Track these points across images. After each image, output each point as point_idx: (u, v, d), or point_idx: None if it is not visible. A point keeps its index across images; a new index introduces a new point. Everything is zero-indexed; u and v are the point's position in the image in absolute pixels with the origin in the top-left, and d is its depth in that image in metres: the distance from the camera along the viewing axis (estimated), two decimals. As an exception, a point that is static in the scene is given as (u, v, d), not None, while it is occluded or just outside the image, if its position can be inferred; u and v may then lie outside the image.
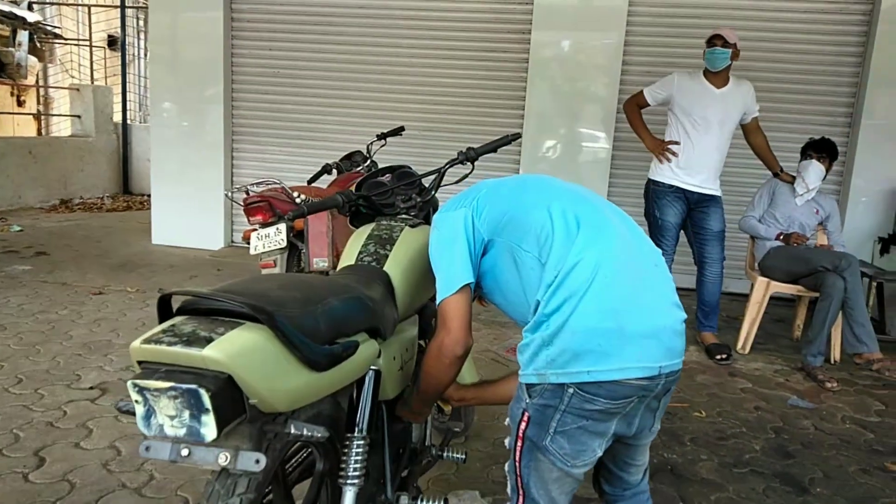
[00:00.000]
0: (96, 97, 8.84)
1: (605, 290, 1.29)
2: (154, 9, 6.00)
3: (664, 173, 3.92)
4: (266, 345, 1.09)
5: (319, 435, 1.17)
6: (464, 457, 1.97)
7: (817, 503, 2.38)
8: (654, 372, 1.29)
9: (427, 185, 2.00)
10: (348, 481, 1.41)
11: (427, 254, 1.59)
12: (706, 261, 3.95)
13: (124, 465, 2.36)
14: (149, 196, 6.82)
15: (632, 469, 1.52)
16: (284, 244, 3.44)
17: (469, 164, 2.00)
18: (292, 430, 1.15)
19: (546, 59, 5.41)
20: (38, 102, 11.04)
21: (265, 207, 3.51)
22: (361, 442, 1.45)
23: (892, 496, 2.45)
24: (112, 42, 10.98)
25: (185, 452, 1.07)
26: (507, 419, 1.43)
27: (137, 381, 1.02)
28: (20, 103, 10.43)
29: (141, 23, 11.19)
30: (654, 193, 3.97)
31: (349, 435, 1.46)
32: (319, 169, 4.30)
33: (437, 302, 1.48)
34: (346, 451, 1.44)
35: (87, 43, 10.75)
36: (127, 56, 9.48)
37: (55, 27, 11.22)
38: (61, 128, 10.32)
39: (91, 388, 3.00)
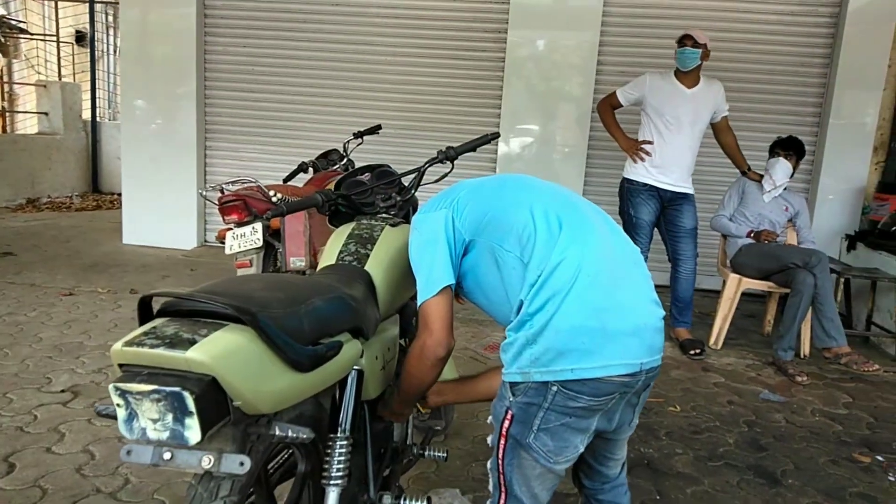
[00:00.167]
0: (64, 94, 8.65)
1: (588, 288, 1.30)
2: (125, 4, 5.89)
3: (638, 172, 3.98)
4: (250, 346, 1.08)
5: (304, 436, 1.17)
6: (445, 455, 1.97)
7: (789, 494, 2.43)
8: (635, 369, 1.31)
9: (407, 185, 2.00)
10: (331, 482, 1.41)
11: (408, 253, 1.59)
12: (680, 258, 4.02)
13: (98, 469, 2.32)
14: (119, 195, 6.71)
15: (611, 463, 1.54)
16: (261, 244, 3.41)
17: (449, 163, 2.00)
18: (277, 432, 1.15)
19: (522, 58, 5.44)
20: (3, 99, 10.77)
21: (241, 206, 3.47)
22: (345, 442, 1.44)
23: (860, 486, 2.52)
24: (80, 38, 10.74)
25: (167, 456, 1.06)
26: (490, 417, 1.44)
27: (119, 385, 1.00)
28: (-16, 100, 10.18)
29: (110, 18, 10.97)
30: (629, 192, 4.03)
31: (332, 435, 1.45)
32: (295, 167, 4.26)
33: (419, 304, 1.48)
34: (328, 451, 1.44)
35: (55, 38, 10.50)
36: (96, 52, 9.28)
37: (20, 21, 10.94)
38: (27, 125, 10.07)
39: (63, 391, 2.94)
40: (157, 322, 1.11)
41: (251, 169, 5.66)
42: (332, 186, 1.95)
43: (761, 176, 4.16)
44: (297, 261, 3.39)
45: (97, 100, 9.24)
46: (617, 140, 4.09)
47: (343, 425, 1.46)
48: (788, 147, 4.07)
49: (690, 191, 4.01)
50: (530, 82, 5.47)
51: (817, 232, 4.62)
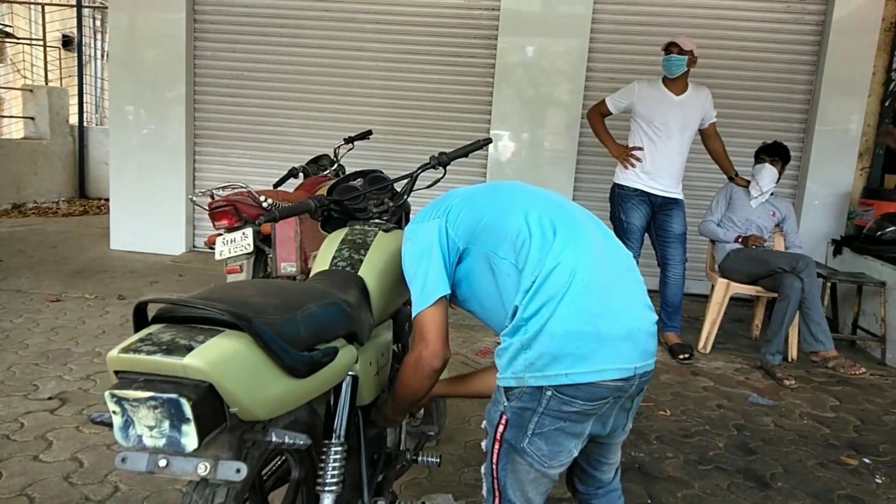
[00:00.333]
0: (51, 98, 8.57)
1: (582, 294, 1.31)
2: (114, 9, 5.86)
3: (629, 177, 4.00)
4: (247, 352, 1.08)
5: (301, 443, 1.16)
6: (438, 460, 1.97)
7: (779, 497, 2.45)
8: (629, 373, 1.32)
9: (399, 190, 2.00)
10: (326, 488, 1.41)
11: (401, 259, 1.59)
12: (669, 262, 4.05)
13: (87, 477, 2.30)
14: (106, 200, 6.66)
15: (605, 467, 1.55)
16: (251, 249, 3.40)
17: (441, 168, 2.01)
18: (273, 438, 1.15)
19: (512, 64, 5.46)
20: (-12, 103, 10.67)
21: (231, 212, 3.46)
22: (340, 448, 1.44)
23: (848, 488, 2.54)
24: (67, 42, 10.66)
25: (162, 463, 1.05)
26: (484, 422, 1.45)
27: (115, 392, 1.00)
28: (-32, 104, 10.07)
29: (97, 23, 10.90)
30: (620, 197, 4.05)
31: (327, 441, 1.45)
32: (286, 173, 4.25)
33: (413, 315, 1.48)
34: (323, 457, 1.44)
35: (41, 43, 10.42)
36: (83, 57, 9.22)
37: (6, 26, 10.85)
38: (13, 130, 9.97)
39: (50, 398, 2.91)
40: (153, 328, 1.10)
41: (241, 174, 5.64)
42: (324, 192, 1.95)
43: (748, 181, 4.20)
44: (287, 266, 3.39)
45: (84, 104, 9.17)
46: (607, 147, 4.12)
47: (338, 431, 1.46)
48: (774, 153, 4.11)
49: (680, 196, 4.05)
50: (520, 88, 5.50)
51: (804, 237, 4.67)
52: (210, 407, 1.03)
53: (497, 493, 1.42)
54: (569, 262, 1.33)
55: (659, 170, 3.96)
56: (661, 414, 3.15)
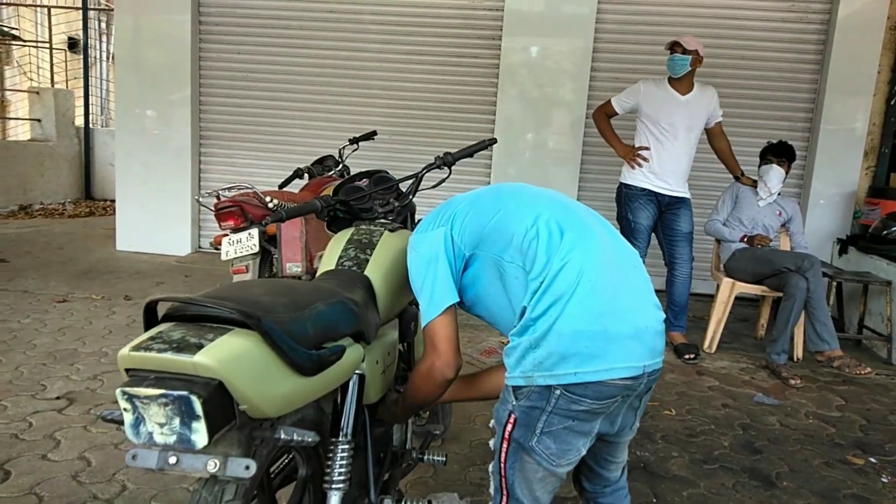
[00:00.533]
0: (57, 100, 8.62)
1: (590, 293, 1.32)
2: (120, 11, 5.89)
3: (636, 177, 4.00)
4: (256, 350, 1.09)
5: (309, 440, 1.17)
6: (444, 459, 1.98)
7: (784, 496, 2.45)
8: (637, 371, 1.32)
9: (405, 190, 2.01)
10: (333, 486, 1.42)
11: (406, 258, 1.60)
12: (676, 261, 4.05)
13: (95, 475, 2.31)
14: (112, 201, 6.69)
15: (612, 466, 1.55)
16: (257, 249, 3.42)
17: (446, 168, 2.02)
18: (282, 436, 1.16)
19: (516, 64, 5.47)
20: (-6, 105, 10.72)
21: (237, 212, 3.47)
22: (347, 446, 1.45)
23: (854, 487, 2.54)
24: (73, 44, 10.71)
25: (173, 460, 1.06)
26: (492, 421, 1.45)
27: (127, 389, 1.01)
28: (-25, 106, 10.13)
29: (103, 25, 10.95)
30: (627, 197, 4.05)
31: (334, 440, 1.46)
32: (291, 173, 4.27)
33: (423, 324, 1.48)
34: (330, 455, 1.45)
35: (47, 45, 10.47)
36: (89, 59, 9.26)
37: (12, 28, 10.90)
38: (20, 132, 10.02)
39: (58, 397, 2.93)
40: (163, 327, 1.11)
41: (246, 175, 5.65)
42: (329, 192, 1.96)
43: (754, 181, 4.20)
44: (293, 266, 3.40)
45: (90, 106, 9.21)
46: (614, 147, 4.11)
47: (345, 429, 1.47)
48: (780, 153, 4.11)
49: (687, 195, 4.05)
50: (524, 89, 5.50)
51: (809, 236, 4.66)
52: (220, 404, 1.04)
53: (505, 492, 1.42)
54: (576, 262, 1.33)
55: (666, 169, 3.96)
56: (666, 413, 3.15)
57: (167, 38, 5.76)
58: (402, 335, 1.87)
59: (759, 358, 3.99)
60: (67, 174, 8.88)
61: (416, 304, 1.64)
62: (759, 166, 4.18)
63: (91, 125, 9.25)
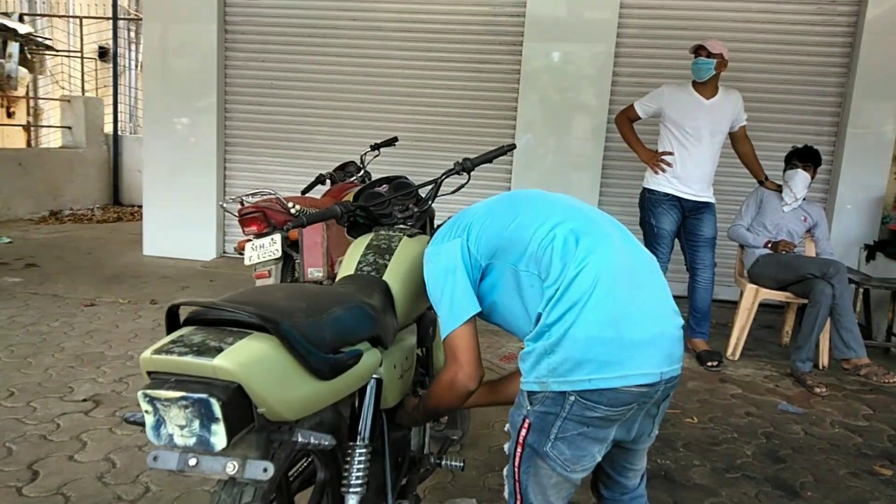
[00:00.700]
0: (87, 108, 8.82)
1: (605, 299, 1.31)
2: (148, 20, 6.02)
3: (660, 182, 3.96)
4: (274, 354, 1.11)
5: (326, 443, 1.19)
6: (462, 464, 1.99)
7: (809, 507, 2.41)
8: (654, 379, 1.31)
9: (424, 196, 2.02)
10: (351, 489, 1.43)
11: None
12: (698, 266, 4.00)
13: (119, 477, 2.35)
14: (139, 207, 6.81)
15: (630, 474, 1.54)
16: (279, 254, 3.45)
17: (465, 174, 2.02)
18: (299, 439, 1.17)
19: (537, 70, 5.47)
20: (28, 114, 10.99)
21: (260, 218, 3.52)
22: (364, 450, 1.47)
23: (881, 499, 2.49)
24: (103, 53, 10.95)
25: (192, 462, 1.08)
26: (507, 425, 1.46)
27: (148, 391, 1.03)
28: (9, 114, 10.39)
29: (132, 34, 11.19)
30: (650, 202, 4.01)
31: (352, 443, 1.47)
32: (313, 179, 4.31)
33: (443, 336, 1.48)
34: (348, 459, 1.46)
35: (78, 54, 10.72)
36: (118, 67, 9.47)
37: (46, 38, 11.19)
38: (51, 139, 10.27)
39: (84, 400, 2.99)
40: (185, 331, 1.14)
41: (269, 181, 5.73)
42: (350, 198, 1.98)
43: (779, 186, 4.14)
44: (314, 271, 3.43)
45: (119, 114, 9.41)
46: (637, 152, 4.08)
47: (362, 433, 1.48)
48: (806, 158, 4.05)
49: (712, 200, 4.00)
50: (545, 94, 5.50)
51: (835, 241, 4.59)
52: (238, 407, 1.06)
53: (519, 496, 1.43)
54: (591, 268, 1.33)
55: (690, 174, 3.92)
56: (688, 421, 3.11)
57: (194, 47, 5.86)
58: (420, 340, 1.88)
59: (784, 366, 3.93)
60: (96, 180, 9.07)
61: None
62: (784, 171, 4.13)
63: (120, 132, 9.45)
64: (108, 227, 7.65)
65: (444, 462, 1.98)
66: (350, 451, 1.47)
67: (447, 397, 1.53)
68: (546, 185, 5.38)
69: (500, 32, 5.60)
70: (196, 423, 1.03)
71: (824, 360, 3.94)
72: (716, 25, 5.24)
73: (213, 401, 1.01)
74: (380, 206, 1.93)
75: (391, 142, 4.54)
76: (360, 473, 1.44)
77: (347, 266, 1.75)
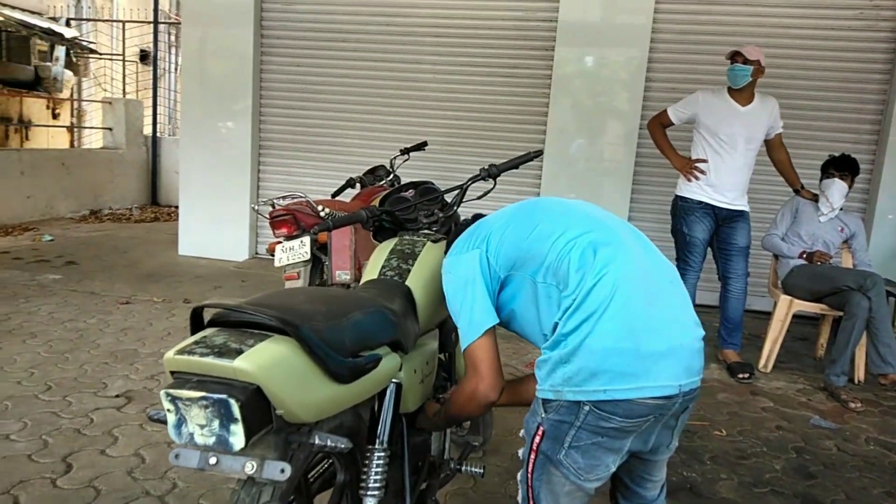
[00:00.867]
0: (128, 110, 9.06)
1: (622, 310, 1.30)
2: (187, 25, 6.16)
3: (693, 190, 3.90)
4: (293, 357, 1.13)
5: (342, 446, 1.20)
6: (482, 471, 1.99)
7: (840, 526, 2.35)
8: (672, 391, 1.30)
9: (449, 201, 2.03)
10: (368, 492, 1.44)
11: None
12: (731, 276, 3.93)
13: (148, 472, 2.41)
14: (176, 208, 6.96)
15: (648, 484, 1.52)
16: (308, 257, 3.49)
17: (491, 180, 2.02)
18: (316, 441, 1.19)
19: (569, 74, 5.44)
20: (72, 115, 11.33)
21: (290, 221, 3.57)
22: (382, 454, 1.48)
23: (918, 520, 2.42)
24: (144, 56, 11.25)
25: (212, 461, 1.10)
26: (522, 431, 1.45)
27: (170, 391, 1.06)
28: (55, 116, 10.72)
29: (172, 38, 11.46)
30: (683, 210, 3.95)
31: (370, 447, 1.49)
32: (343, 183, 4.36)
33: (463, 347, 1.48)
34: (366, 462, 1.47)
35: (121, 57, 11.02)
36: (158, 70, 9.71)
37: (90, 42, 11.53)
38: (93, 140, 10.57)
39: (117, 396, 3.07)
40: (208, 332, 1.17)
41: (301, 184, 5.80)
42: (377, 202, 2.00)
43: (815, 195, 4.05)
44: (342, 274, 3.46)
45: (158, 116, 9.63)
46: (669, 159, 4.01)
47: (381, 437, 1.49)
48: (843, 167, 3.95)
49: (746, 208, 3.92)
50: (577, 99, 5.47)
51: (874, 253, 4.46)
52: (257, 408, 1.07)
53: (531, 502, 1.43)
54: (609, 278, 1.32)
55: (724, 182, 3.85)
56: (716, 434, 3.06)
57: (230, 51, 5.98)
58: (442, 345, 1.89)
59: (818, 379, 3.83)
60: (135, 181, 9.30)
61: None
62: (821, 180, 4.03)
63: (158, 134, 9.68)
64: (145, 227, 7.83)
65: (464, 468, 1.98)
66: (369, 455, 1.48)
67: (469, 407, 1.54)
68: (576, 192, 5.39)
69: (532, 38, 5.59)
70: (216, 423, 1.05)
71: (860, 374, 3.83)
72: (752, 31, 5.15)
73: (232, 401, 1.03)
74: (405, 210, 1.94)
75: (421, 146, 4.56)
76: (377, 476, 1.45)
77: (371, 270, 1.76)
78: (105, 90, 11.50)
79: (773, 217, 4.21)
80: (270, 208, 3.74)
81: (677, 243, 4.00)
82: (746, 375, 3.77)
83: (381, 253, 1.81)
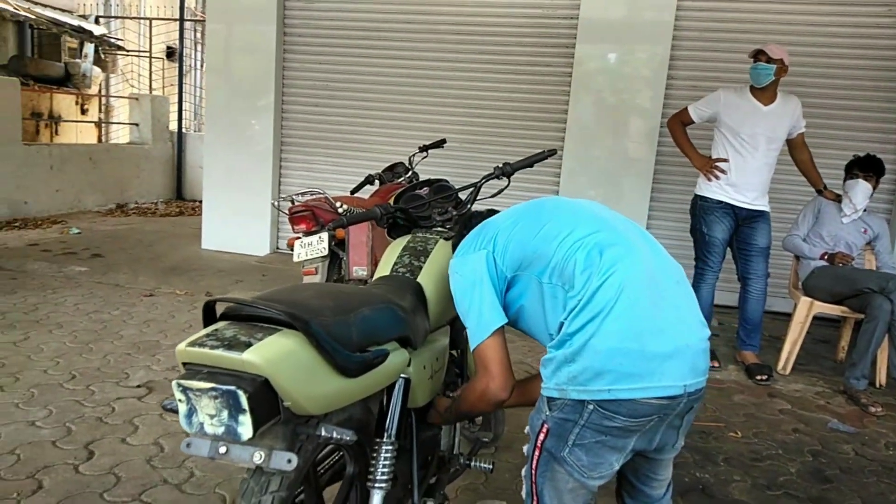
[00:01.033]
0: (154, 106, 9.21)
1: (628, 310, 1.31)
2: (211, 22, 6.24)
3: (713, 189, 3.86)
4: (301, 351, 1.16)
5: (348, 438, 1.23)
6: (491, 466, 2.00)
7: (854, 530, 2.33)
8: (677, 391, 1.30)
9: (463, 199, 2.05)
10: (376, 485, 1.47)
11: None
12: (750, 277, 3.89)
13: (167, 461, 2.47)
14: (200, 202, 7.06)
15: (654, 483, 1.53)
16: (326, 252, 3.54)
17: (505, 178, 2.03)
18: (322, 433, 1.22)
19: (590, 72, 5.42)
20: (100, 111, 11.54)
21: (309, 216, 3.61)
22: (390, 447, 1.50)
23: (935, 527, 2.38)
24: (170, 53, 11.41)
25: (222, 450, 1.14)
26: (527, 428, 1.47)
27: (181, 381, 1.10)
28: (83, 111, 10.93)
29: (198, 35, 11.61)
30: (702, 209, 3.91)
31: (378, 440, 1.51)
32: (362, 180, 4.39)
33: (472, 347, 1.50)
34: (374, 455, 1.50)
35: (147, 54, 11.20)
36: (184, 67, 9.84)
37: (118, 39, 11.74)
38: (120, 135, 10.76)
39: (138, 386, 3.14)
40: (219, 325, 1.20)
41: (322, 180, 5.86)
42: (392, 200, 2.03)
43: (837, 195, 3.99)
44: (359, 270, 3.50)
45: (183, 112, 9.77)
46: (689, 158, 3.98)
47: (389, 431, 1.52)
48: (867, 167, 3.88)
49: (767, 208, 3.87)
50: (597, 97, 5.44)
51: (899, 255, 4.38)
52: (265, 400, 1.11)
53: (535, 498, 1.45)
54: (615, 279, 1.33)
55: (745, 182, 3.81)
56: (731, 435, 3.04)
57: (254, 48, 6.05)
58: (454, 341, 1.91)
59: (837, 382, 3.78)
60: (161, 176, 9.45)
61: None
62: (844, 181, 3.97)
63: (184, 130, 9.82)
64: (169, 221, 7.96)
65: (473, 463, 2.00)
66: (377, 448, 1.51)
67: (479, 405, 1.57)
68: (596, 189, 5.37)
69: (553, 35, 5.57)
70: (225, 413, 1.08)
71: (881, 378, 3.78)
72: (776, 28, 5.08)
73: (241, 393, 1.06)
74: (419, 208, 1.96)
75: (439, 143, 4.58)
76: (385, 469, 1.48)
77: (384, 267, 1.79)
78: (132, 86, 11.70)
79: (795, 218, 4.16)
80: (290, 204, 3.79)
81: (696, 243, 3.96)
82: (764, 377, 3.74)
83: (394, 250, 1.84)
